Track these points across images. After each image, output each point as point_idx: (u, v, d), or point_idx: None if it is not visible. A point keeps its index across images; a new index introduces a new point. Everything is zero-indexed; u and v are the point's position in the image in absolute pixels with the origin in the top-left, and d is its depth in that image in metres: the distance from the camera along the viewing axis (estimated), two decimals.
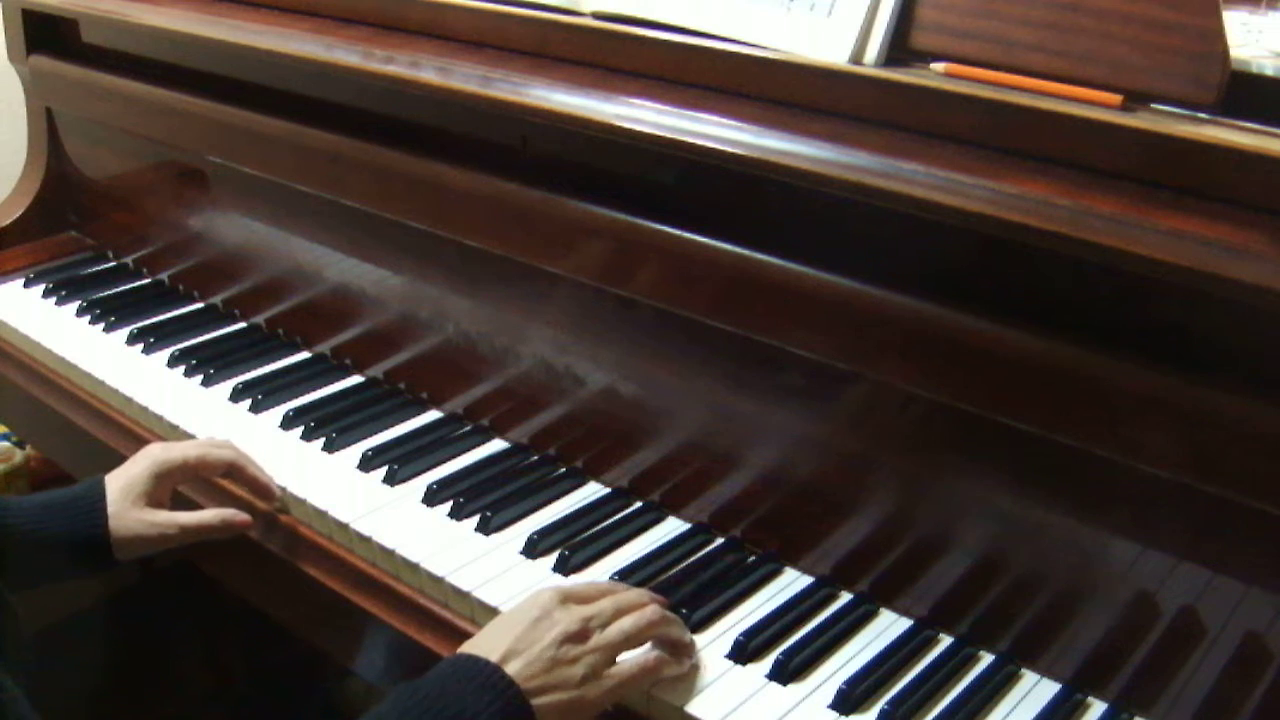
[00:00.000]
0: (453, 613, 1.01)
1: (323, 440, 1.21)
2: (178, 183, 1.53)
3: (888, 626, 0.99)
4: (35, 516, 1.02)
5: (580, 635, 0.86)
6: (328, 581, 1.07)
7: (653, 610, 0.90)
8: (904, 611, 1.00)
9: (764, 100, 0.98)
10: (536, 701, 0.82)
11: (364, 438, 1.22)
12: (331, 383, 1.35)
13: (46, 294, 1.55)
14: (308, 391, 1.32)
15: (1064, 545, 0.89)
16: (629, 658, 0.88)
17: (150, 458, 1.08)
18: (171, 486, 1.10)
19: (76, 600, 1.74)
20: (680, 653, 0.91)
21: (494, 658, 0.83)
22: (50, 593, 1.24)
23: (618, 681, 0.86)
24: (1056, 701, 0.91)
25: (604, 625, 0.88)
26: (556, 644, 0.84)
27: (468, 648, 0.86)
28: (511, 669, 0.82)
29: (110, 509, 1.04)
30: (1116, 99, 0.85)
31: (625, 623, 0.88)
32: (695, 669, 0.92)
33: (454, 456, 1.20)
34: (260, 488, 1.13)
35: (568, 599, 0.89)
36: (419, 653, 1.01)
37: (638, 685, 0.88)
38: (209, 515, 1.09)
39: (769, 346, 0.97)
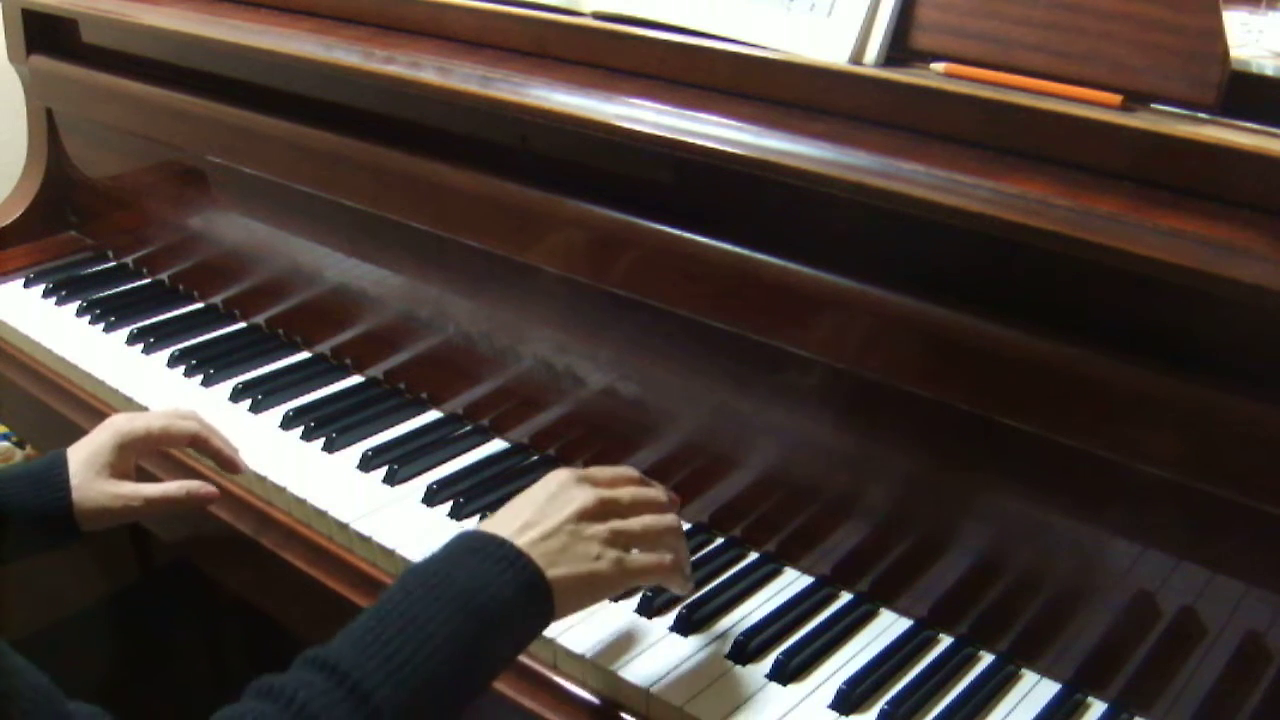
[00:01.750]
0: None
1: (323, 440, 1.21)
2: (178, 183, 1.53)
3: (888, 626, 0.99)
4: None
5: (597, 514, 0.84)
6: (328, 581, 1.07)
7: (672, 517, 0.89)
8: (904, 611, 1.00)
9: (764, 100, 0.98)
10: (552, 573, 0.80)
11: (364, 438, 1.22)
12: (331, 383, 1.35)
13: (46, 294, 1.55)
14: (308, 391, 1.32)
15: (1064, 545, 0.89)
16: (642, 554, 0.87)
17: (113, 428, 1.06)
18: (135, 457, 1.08)
19: (76, 600, 1.74)
20: (686, 571, 0.90)
21: (507, 532, 0.81)
22: (50, 593, 1.24)
23: (636, 567, 0.85)
24: (1056, 701, 0.91)
25: (620, 514, 0.86)
26: (574, 519, 0.83)
27: (483, 526, 0.84)
28: (525, 541, 0.81)
29: (73, 480, 1.02)
30: (1116, 99, 0.85)
31: (646, 518, 0.87)
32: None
33: (454, 456, 1.20)
34: (224, 460, 1.12)
35: (585, 479, 0.87)
36: None
37: (650, 577, 0.87)
38: (174, 487, 1.08)
39: (769, 346, 0.97)
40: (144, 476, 1.12)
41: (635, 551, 0.86)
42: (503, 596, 0.77)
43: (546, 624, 0.81)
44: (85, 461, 1.03)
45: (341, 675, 0.71)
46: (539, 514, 0.83)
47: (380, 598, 0.78)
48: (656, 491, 0.91)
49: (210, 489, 1.09)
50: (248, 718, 0.70)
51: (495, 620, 0.77)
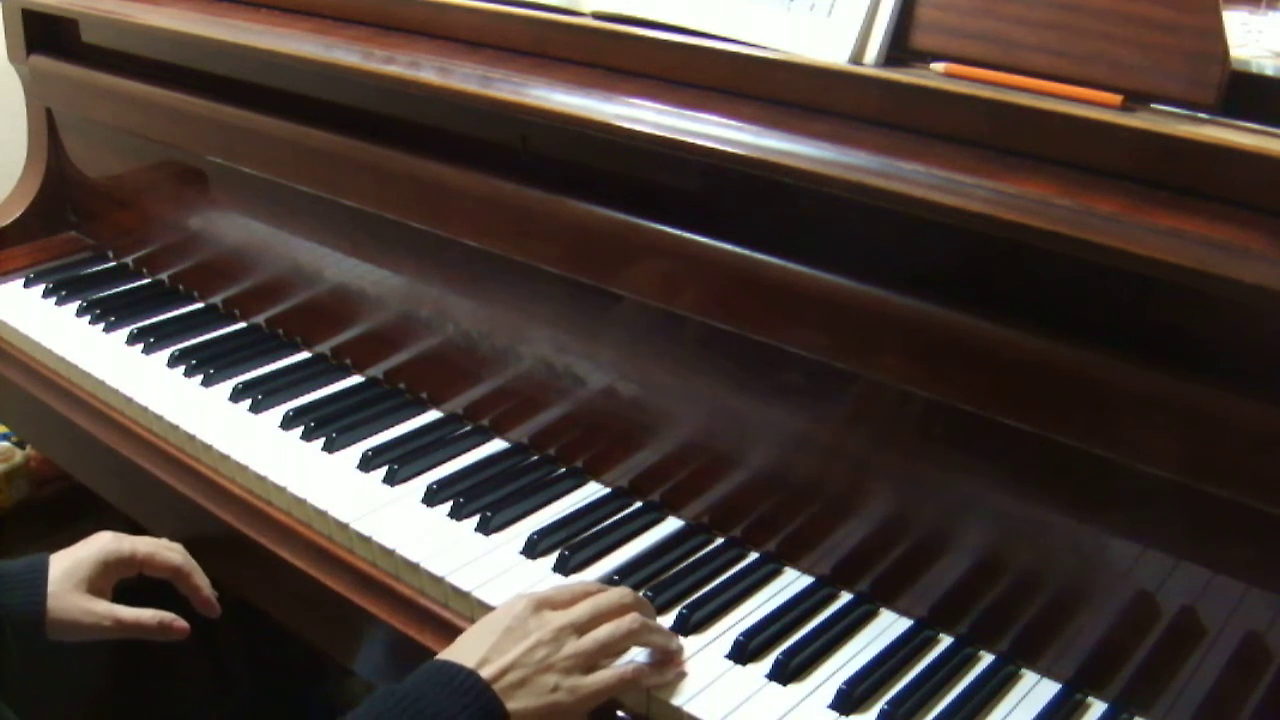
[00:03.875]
0: (453, 613, 1.01)
1: (323, 440, 1.21)
2: (178, 183, 1.53)
3: (888, 626, 0.99)
4: None
5: (554, 642, 0.86)
6: (328, 581, 1.07)
7: (631, 619, 0.89)
8: (904, 611, 1.00)
9: (764, 100, 0.98)
10: (512, 706, 0.83)
11: (364, 438, 1.22)
12: (331, 383, 1.35)
13: (46, 294, 1.55)
14: (308, 391, 1.32)
15: (1064, 545, 0.89)
16: (608, 666, 0.88)
17: (99, 545, 1.08)
18: (116, 578, 1.09)
19: None
20: (666, 660, 0.91)
21: (470, 663, 0.84)
22: None
23: (593, 690, 0.87)
24: (1056, 701, 0.91)
25: (580, 631, 0.88)
26: (532, 649, 0.85)
27: (444, 655, 0.87)
28: (487, 673, 0.84)
29: (50, 588, 1.03)
30: (1116, 99, 0.85)
31: (601, 632, 0.88)
32: (682, 675, 0.91)
33: (454, 456, 1.20)
34: (202, 600, 1.14)
35: (542, 606, 0.89)
36: (419, 652, 1.01)
37: (615, 694, 0.89)
38: (147, 615, 1.09)
39: (769, 346, 0.97)
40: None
41: (592, 676, 0.87)
42: None
43: None
44: (65, 572, 1.04)
45: None
46: (498, 648, 0.85)
47: (350, 714, 0.81)
48: (617, 596, 0.92)
49: (182, 624, 1.10)
50: None
51: None
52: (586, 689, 0.86)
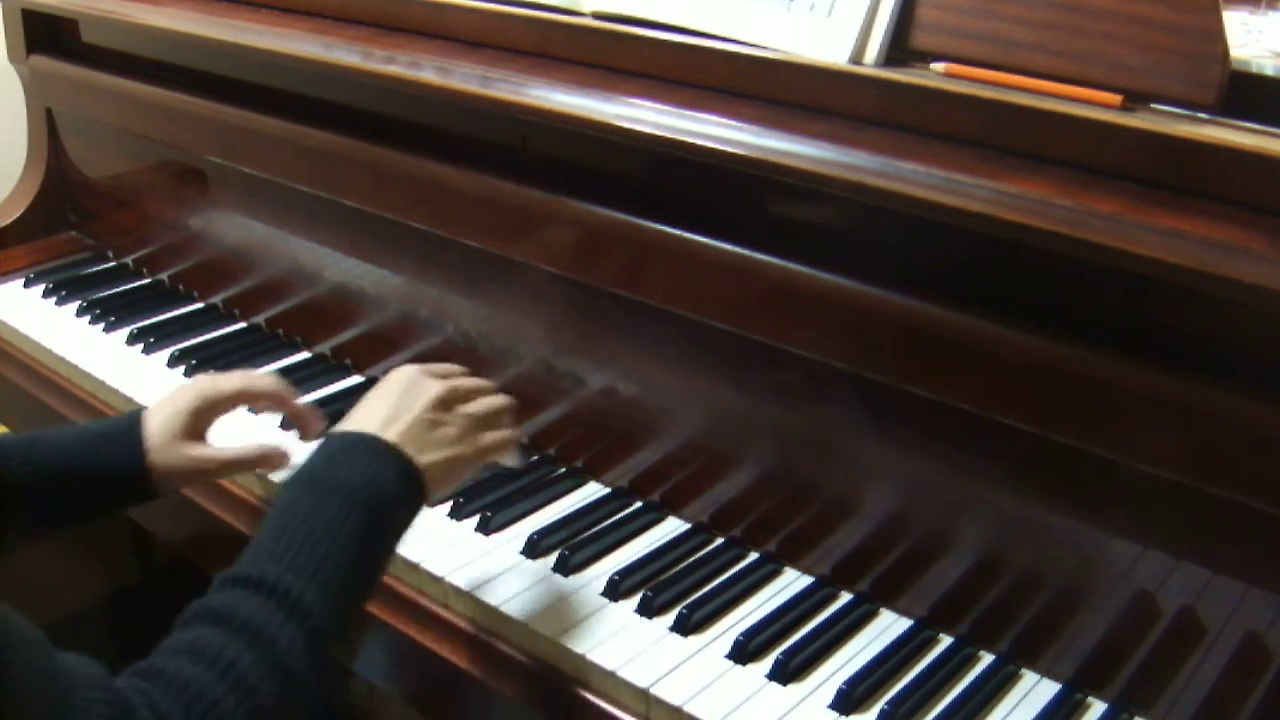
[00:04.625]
0: (453, 612, 1.01)
1: (323, 440, 1.21)
2: (178, 183, 1.53)
3: (888, 626, 0.99)
4: (71, 450, 1.00)
5: (447, 402, 0.93)
6: None
7: (503, 397, 0.99)
8: (904, 611, 1.00)
9: (764, 100, 0.98)
10: (421, 460, 0.87)
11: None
12: (331, 383, 1.35)
13: (46, 294, 1.55)
14: (308, 392, 1.31)
15: (1064, 545, 0.89)
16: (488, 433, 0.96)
17: (194, 390, 1.06)
18: (213, 420, 1.07)
19: (76, 600, 1.75)
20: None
21: (373, 429, 0.88)
22: (50, 593, 1.23)
23: (488, 444, 0.95)
24: (1056, 701, 0.91)
25: (464, 400, 0.95)
26: (429, 408, 0.91)
27: (343, 426, 0.90)
28: (391, 434, 0.87)
29: (150, 442, 1.01)
30: (1116, 99, 0.85)
31: (483, 402, 0.97)
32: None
33: None
34: (303, 418, 1.13)
35: (427, 370, 0.96)
36: (420, 652, 1.01)
37: (500, 452, 0.97)
38: (250, 449, 1.07)
39: (769, 346, 0.97)
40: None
41: (484, 434, 0.95)
42: (386, 488, 0.84)
43: (420, 507, 0.88)
44: (163, 424, 1.03)
45: (269, 588, 0.77)
46: (396, 409, 0.90)
47: (273, 510, 0.83)
48: (483, 381, 1.00)
49: (283, 450, 1.08)
50: (202, 643, 0.75)
51: (384, 510, 0.84)
52: (482, 444, 0.94)
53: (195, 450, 1.03)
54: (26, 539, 1.01)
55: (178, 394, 1.06)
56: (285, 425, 1.23)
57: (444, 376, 0.96)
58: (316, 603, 0.78)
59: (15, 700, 0.64)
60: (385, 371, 1.32)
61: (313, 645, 0.77)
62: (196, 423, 1.04)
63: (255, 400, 1.12)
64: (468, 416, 0.94)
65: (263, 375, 1.12)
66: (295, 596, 0.77)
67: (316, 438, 1.12)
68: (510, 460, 1.02)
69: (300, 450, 1.10)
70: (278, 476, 1.11)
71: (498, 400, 0.98)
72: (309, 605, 0.77)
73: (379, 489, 0.84)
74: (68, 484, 0.99)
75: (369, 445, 0.86)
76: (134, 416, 1.04)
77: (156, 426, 1.02)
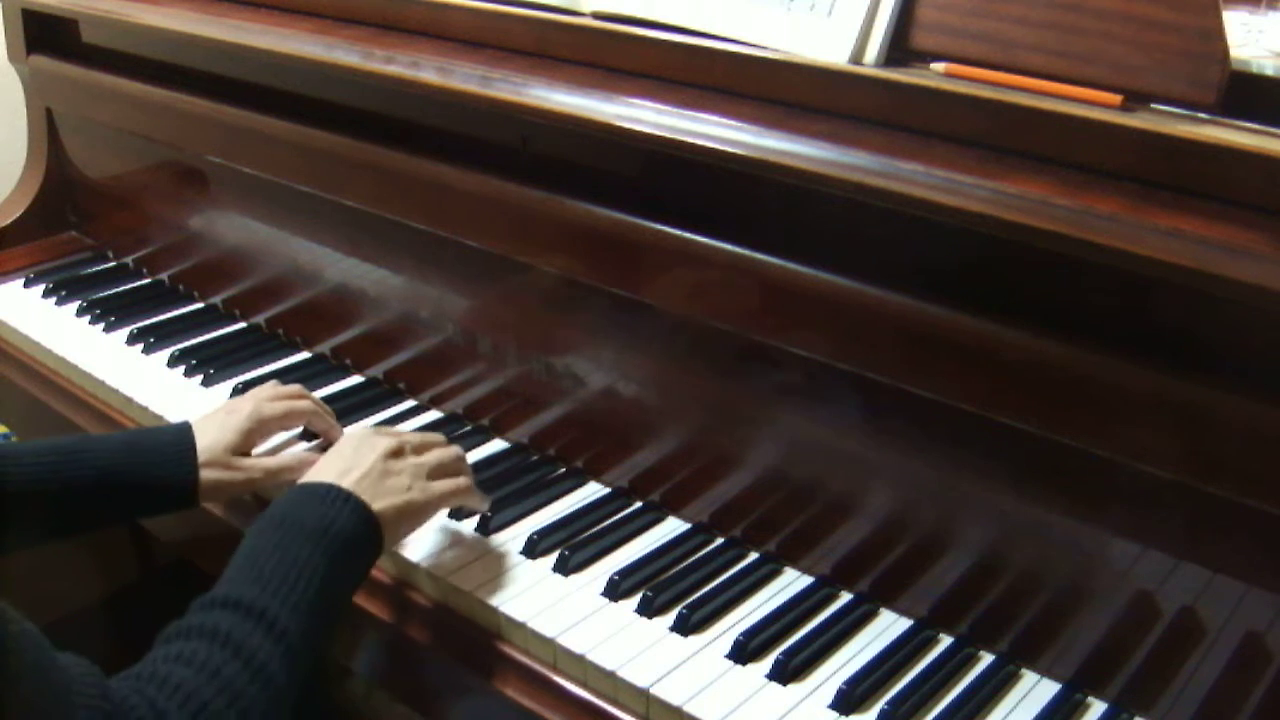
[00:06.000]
0: (452, 612, 1.01)
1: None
2: (178, 183, 1.53)
3: (888, 626, 0.99)
4: (123, 456, 1.04)
5: (398, 452, 0.99)
6: None
7: (456, 448, 1.05)
8: (904, 611, 1.00)
9: (764, 100, 0.98)
10: (376, 507, 0.93)
11: None
12: (332, 383, 1.35)
13: (46, 294, 1.55)
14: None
15: (1064, 545, 0.89)
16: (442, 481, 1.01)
17: (248, 414, 1.11)
18: (259, 441, 1.13)
19: (76, 600, 1.74)
20: (478, 491, 1.06)
21: (331, 480, 0.94)
22: (50, 593, 1.23)
23: (440, 492, 1.00)
24: (1056, 701, 0.91)
25: (417, 451, 1.01)
26: (382, 459, 0.97)
27: (303, 480, 0.96)
28: (348, 483, 0.93)
29: (201, 457, 1.06)
30: (1116, 99, 0.85)
31: (434, 453, 1.02)
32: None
33: None
34: (333, 432, 1.19)
35: (379, 429, 1.03)
36: (420, 652, 1.01)
37: (454, 499, 1.02)
38: (290, 458, 1.12)
39: (769, 346, 0.97)
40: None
41: (437, 482, 1.00)
42: (347, 530, 0.90)
43: (381, 550, 0.94)
44: (214, 440, 1.08)
45: (247, 608, 0.82)
46: (352, 462, 0.96)
47: (242, 547, 0.89)
48: (436, 434, 1.06)
49: (307, 452, 1.14)
50: (189, 652, 0.79)
51: (346, 550, 0.89)
52: (435, 490, 0.99)
53: (243, 463, 1.09)
54: (51, 540, 1.05)
55: (231, 413, 1.11)
56: (308, 436, 1.23)
57: (395, 432, 1.03)
58: (291, 623, 0.83)
59: (14, 697, 0.66)
60: (385, 371, 1.34)
61: (289, 662, 0.82)
62: (244, 442, 1.10)
63: (299, 422, 1.17)
64: (418, 465, 0.99)
65: (304, 397, 1.18)
66: (272, 616, 0.82)
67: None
68: (475, 504, 1.06)
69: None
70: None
71: (448, 451, 1.04)
72: (285, 624, 0.82)
73: (339, 530, 0.89)
74: (117, 490, 1.03)
75: (327, 491, 0.92)
76: (184, 428, 1.09)
77: (208, 442, 1.08)
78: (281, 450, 1.18)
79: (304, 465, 1.11)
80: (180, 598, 1.14)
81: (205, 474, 1.06)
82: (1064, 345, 0.83)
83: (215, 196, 1.48)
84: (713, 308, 1.00)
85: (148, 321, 1.47)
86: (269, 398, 1.15)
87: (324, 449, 1.09)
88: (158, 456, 1.05)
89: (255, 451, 1.12)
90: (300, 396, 1.17)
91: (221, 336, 1.45)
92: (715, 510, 1.09)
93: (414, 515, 0.98)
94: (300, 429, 1.20)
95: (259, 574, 0.85)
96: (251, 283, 1.47)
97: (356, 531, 0.91)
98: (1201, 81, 0.83)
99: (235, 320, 1.49)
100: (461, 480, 1.03)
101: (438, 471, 1.01)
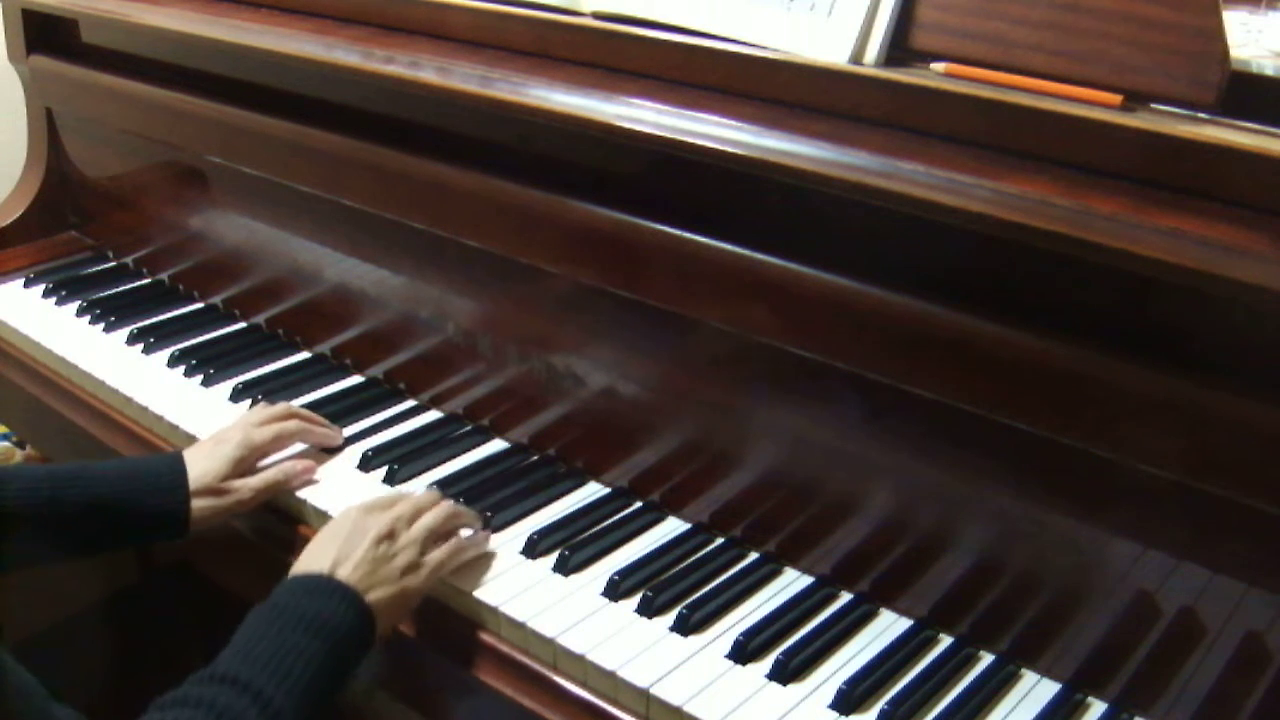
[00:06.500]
0: (452, 612, 1.01)
1: (284, 580, 1.20)
2: (178, 183, 1.53)
3: (888, 626, 0.99)
4: (117, 484, 1.06)
5: (390, 535, 0.98)
6: None
7: (447, 505, 1.04)
8: (904, 611, 1.00)
9: (764, 100, 0.98)
10: (369, 598, 0.93)
11: (364, 438, 1.22)
12: (331, 383, 1.35)
13: (46, 294, 1.55)
14: (308, 392, 1.32)
15: (1064, 545, 0.89)
16: (437, 549, 1.00)
17: (236, 443, 1.12)
18: (249, 466, 1.13)
19: (76, 600, 1.74)
20: (477, 539, 1.05)
21: (324, 570, 0.94)
22: (50, 593, 1.23)
23: (432, 568, 0.99)
24: (1056, 701, 0.91)
25: (408, 524, 1.00)
26: (374, 545, 0.96)
27: (296, 569, 0.96)
28: (342, 575, 0.94)
29: (193, 487, 1.08)
30: (1116, 99, 0.85)
31: (426, 519, 1.01)
32: (489, 556, 1.05)
33: (454, 457, 1.20)
34: (329, 440, 1.20)
35: (370, 509, 1.01)
36: (420, 652, 1.01)
37: (449, 567, 1.01)
38: (275, 474, 1.13)
39: (769, 346, 0.97)
40: None
41: (431, 554, 1.00)
42: (343, 621, 0.91)
43: (373, 640, 0.94)
44: (205, 470, 1.09)
45: (243, 685, 0.83)
46: (344, 550, 0.96)
47: (239, 630, 0.89)
48: (427, 495, 1.05)
49: (309, 464, 1.15)
50: (184, 719, 0.81)
51: (341, 639, 0.90)
52: (428, 567, 0.99)
53: (232, 484, 1.10)
54: (43, 564, 1.09)
55: (220, 443, 1.12)
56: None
57: (388, 505, 1.02)
58: (286, 705, 0.84)
59: None
60: (385, 371, 1.34)
61: None
62: (234, 471, 1.11)
63: (289, 443, 1.18)
64: (410, 541, 0.99)
65: (290, 418, 1.18)
66: (267, 696, 0.84)
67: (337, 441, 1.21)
68: (474, 554, 1.04)
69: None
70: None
71: (439, 512, 1.03)
72: (279, 705, 0.84)
73: (338, 622, 0.90)
74: (109, 517, 1.05)
75: (324, 584, 0.93)
76: (176, 458, 1.10)
77: (198, 472, 1.09)
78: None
79: (290, 477, 1.13)
80: (180, 599, 1.15)
81: (196, 504, 1.07)
82: (1064, 345, 0.83)
83: (215, 196, 1.48)
84: (712, 307, 1.00)
85: (148, 321, 1.47)
86: (257, 423, 1.15)
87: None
88: (150, 485, 1.07)
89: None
90: (288, 416, 1.18)
91: (221, 336, 1.45)
92: (715, 510, 1.09)
93: (409, 600, 0.98)
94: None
95: (256, 656, 0.86)
96: (251, 283, 1.47)
97: (351, 624, 0.91)
98: (1201, 81, 0.83)
99: (235, 320, 1.49)
100: (454, 542, 1.02)
101: (430, 539, 1.00)
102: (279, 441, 1.16)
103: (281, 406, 1.20)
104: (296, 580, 0.94)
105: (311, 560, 0.96)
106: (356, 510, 1.01)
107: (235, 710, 0.81)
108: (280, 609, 0.90)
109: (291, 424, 1.17)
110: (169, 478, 1.08)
